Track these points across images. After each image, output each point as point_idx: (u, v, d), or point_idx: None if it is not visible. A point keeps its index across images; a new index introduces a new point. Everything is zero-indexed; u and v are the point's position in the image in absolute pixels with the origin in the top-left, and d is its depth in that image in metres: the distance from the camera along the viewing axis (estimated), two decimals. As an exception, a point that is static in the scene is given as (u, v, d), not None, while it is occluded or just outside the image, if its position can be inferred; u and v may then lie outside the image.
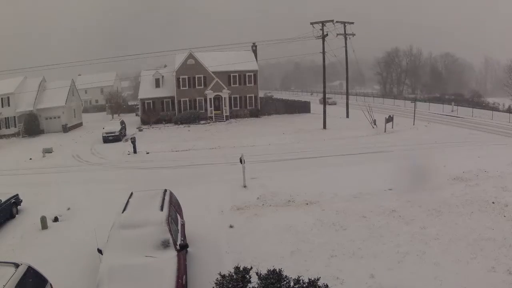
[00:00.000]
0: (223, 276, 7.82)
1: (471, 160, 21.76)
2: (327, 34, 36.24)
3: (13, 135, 42.79)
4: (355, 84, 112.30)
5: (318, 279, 7.47)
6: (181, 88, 45.16)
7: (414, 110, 38.94)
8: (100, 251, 9.23)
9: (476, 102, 61.37)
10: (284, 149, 26.51)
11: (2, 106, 42.95)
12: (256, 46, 49.08)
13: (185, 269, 9.32)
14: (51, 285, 8.30)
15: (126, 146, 30.27)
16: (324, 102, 38.57)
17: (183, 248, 9.25)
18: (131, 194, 11.59)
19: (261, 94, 52.08)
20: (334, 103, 62.37)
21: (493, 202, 14.24)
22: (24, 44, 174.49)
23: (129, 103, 72.78)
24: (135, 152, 27.81)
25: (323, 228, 12.55)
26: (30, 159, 27.94)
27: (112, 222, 9.84)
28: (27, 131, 41.96)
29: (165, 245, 8.93)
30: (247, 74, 47.17)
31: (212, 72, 44.98)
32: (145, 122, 44.79)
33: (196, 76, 45.04)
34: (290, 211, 14.38)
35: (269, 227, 12.73)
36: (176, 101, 45.44)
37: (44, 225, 13.69)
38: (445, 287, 8.91)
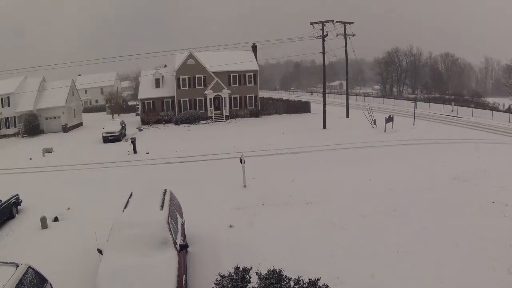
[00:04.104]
0: (223, 276, 7.82)
1: (471, 159, 21.78)
2: (327, 34, 36.26)
3: (13, 135, 42.81)
4: (355, 84, 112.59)
5: (318, 279, 7.47)
6: (181, 88, 45.17)
7: (414, 110, 38.92)
8: (100, 251, 9.22)
9: (476, 102, 61.40)
10: (284, 149, 26.50)
11: (2, 106, 42.97)
12: (256, 46, 49.12)
13: (185, 269, 9.32)
14: (51, 285, 8.30)
15: (126, 146, 30.25)
16: (324, 102, 38.55)
17: (183, 248, 9.24)
18: (131, 193, 11.59)
19: (261, 94, 52.07)
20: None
21: (493, 202, 14.25)
22: (24, 44, 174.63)
23: (129, 103, 72.85)
24: (135, 152, 27.80)
25: (323, 227, 12.54)
26: (30, 159, 27.95)
27: (112, 221, 9.84)
28: (27, 131, 41.96)
29: (165, 244, 8.92)
30: (247, 74, 47.18)
31: (212, 72, 44.98)
32: (145, 122, 44.78)
33: (196, 76, 45.04)
34: (290, 210, 14.38)
35: (269, 227, 12.73)
36: (176, 101, 45.44)
37: (44, 225, 13.69)
38: (445, 287, 8.91)
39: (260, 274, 7.63)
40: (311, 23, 36.70)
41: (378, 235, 11.82)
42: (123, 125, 38.11)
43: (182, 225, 11.12)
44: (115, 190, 17.39)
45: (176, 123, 43.89)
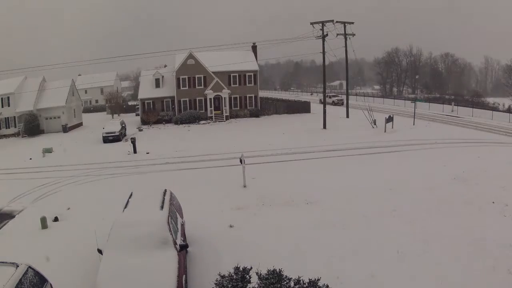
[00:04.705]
0: (223, 276, 7.81)
1: (471, 159, 21.79)
2: (327, 34, 36.25)
3: (13, 135, 42.80)
4: (355, 84, 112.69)
5: (318, 279, 7.46)
6: (181, 88, 45.16)
7: (414, 110, 38.94)
8: (100, 251, 9.22)
9: (476, 102, 61.38)
10: (284, 149, 26.50)
11: (2, 106, 42.96)
12: (256, 46, 49.12)
13: (185, 269, 9.32)
14: (51, 285, 8.30)
15: (126, 146, 30.25)
16: (324, 102, 38.56)
17: (183, 248, 9.24)
18: (131, 193, 11.59)
19: (261, 94, 52.04)
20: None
21: (493, 202, 14.26)
22: (24, 44, 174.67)
23: (129, 103, 72.84)
24: (135, 152, 27.80)
25: (323, 228, 12.54)
26: (30, 159, 27.95)
27: (112, 221, 9.83)
28: (27, 131, 41.95)
29: (165, 244, 8.92)
30: (247, 74, 47.18)
31: (212, 72, 44.97)
32: (145, 122, 44.77)
33: (196, 76, 45.04)
34: (290, 211, 14.38)
35: (269, 227, 12.73)
36: (176, 101, 45.44)
37: (44, 225, 13.69)
38: (445, 287, 8.91)
39: (260, 274, 7.63)
40: (311, 23, 36.71)
41: (378, 235, 11.82)
42: (123, 125, 38.10)
43: (182, 225, 11.12)
44: (115, 190, 17.39)
45: (176, 123, 43.89)
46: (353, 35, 41.10)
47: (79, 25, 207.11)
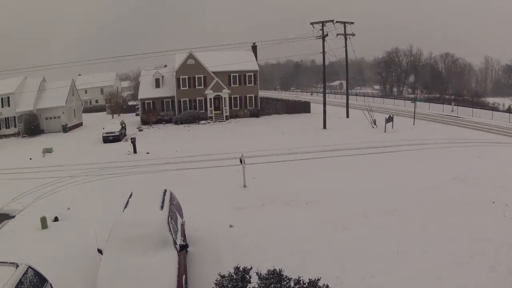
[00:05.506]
0: (223, 276, 7.81)
1: (471, 160, 21.81)
2: (327, 34, 36.27)
3: (13, 135, 42.78)
4: (355, 84, 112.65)
5: (318, 279, 7.46)
6: (181, 88, 45.16)
7: (414, 110, 38.95)
8: (100, 251, 9.22)
9: (476, 102, 61.40)
10: (284, 149, 26.50)
11: (2, 106, 42.93)
12: (256, 46, 49.13)
13: (185, 269, 9.32)
14: (51, 285, 8.29)
15: (126, 146, 30.25)
16: (324, 102, 38.54)
17: (183, 248, 9.23)
18: (131, 193, 11.57)
19: (261, 94, 52.02)
20: None
21: (493, 202, 14.26)
22: (24, 44, 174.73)
23: (129, 103, 72.81)
24: (135, 152, 27.80)
25: (323, 227, 12.54)
26: (30, 159, 27.94)
27: (112, 221, 9.83)
28: (27, 131, 41.94)
29: (165, 244, 8.92)
30: (247, 74, 47.19)
31: (212, 72, 44.97)
32: (145, 122, 44.77)
33: (196, 76, 45.04)
34: (290, 210, 14.38)
35: (269, 227, 12.72)
36: (176, 101, 45.44)
37: (44, 225, 13.68)
38: (445, 287, 8.90)
39: (260, 274, 7.62)
40: (311, 23, 36.73)
41: (378, 235, 11.82)
42: (123, 125, 38.09)
43: (182, 225, 11.11)
44: (115, 190, 17.38)
45: (176, 123, 43.89)
46: (353, 35, 41.15)
47: (79, 25, 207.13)
